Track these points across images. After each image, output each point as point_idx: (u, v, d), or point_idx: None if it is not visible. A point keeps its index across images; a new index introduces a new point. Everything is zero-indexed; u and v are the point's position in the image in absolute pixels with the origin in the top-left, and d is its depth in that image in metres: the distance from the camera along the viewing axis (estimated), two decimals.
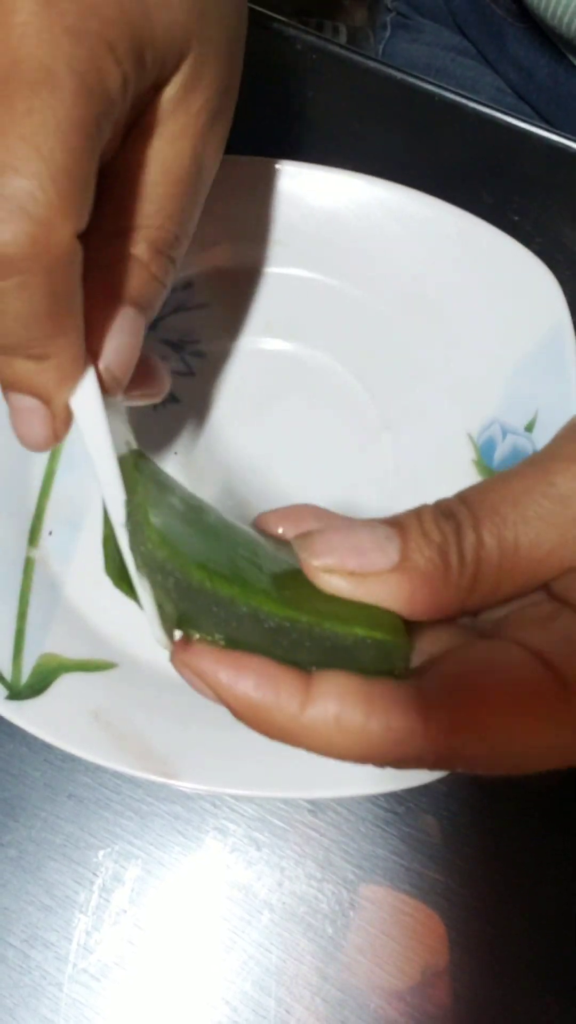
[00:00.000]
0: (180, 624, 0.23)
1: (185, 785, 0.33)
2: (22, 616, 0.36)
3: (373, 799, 0.36)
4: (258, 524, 0.25)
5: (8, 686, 0.34)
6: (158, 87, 0.28)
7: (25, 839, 0.36)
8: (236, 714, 0.22)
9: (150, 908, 0.35)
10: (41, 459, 0.39)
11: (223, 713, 0.35)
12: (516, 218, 0.41)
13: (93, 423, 0.27)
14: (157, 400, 0.32)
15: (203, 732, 0.34)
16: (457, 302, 0.39)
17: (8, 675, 0.35)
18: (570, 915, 0.35)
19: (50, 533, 0.38)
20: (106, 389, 0.27)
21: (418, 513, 0.23)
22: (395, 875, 0.36)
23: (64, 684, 0.35)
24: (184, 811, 0.36)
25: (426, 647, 0.24)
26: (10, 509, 0.38)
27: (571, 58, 0.56)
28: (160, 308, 0.30)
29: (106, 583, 0.37)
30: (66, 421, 0.27)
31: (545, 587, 0.24)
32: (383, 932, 0.35)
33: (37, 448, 0.28)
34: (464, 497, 0.23)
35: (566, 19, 0.50)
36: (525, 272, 0.38)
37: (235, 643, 0.22)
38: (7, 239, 0.23)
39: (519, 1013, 0.35)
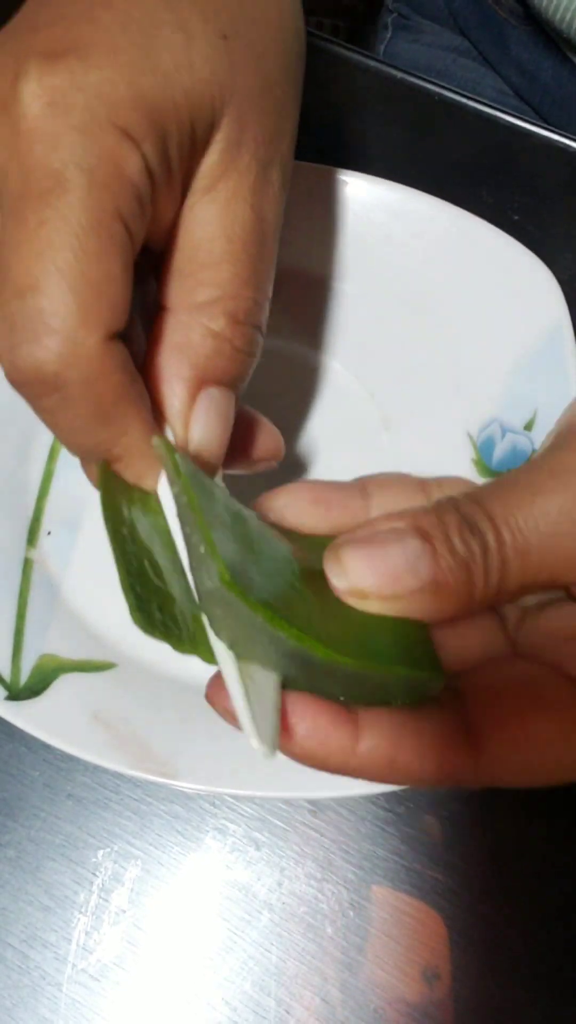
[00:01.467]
0: (232, 649, 0.22)
1: (184, 785, 0.33)
2: (21, 616, 0.36)
3: (373, 799, 0.36)
4: (256, 508, 0.26)
5: (7, 687, 0.34)
6: (197, 151, 0.26)
7: (24, 839, 0.36)
8: (294, 758, 0.22)
9: (149, 908, 0.35)
10: (39, 460, 0.39)
11: None
12: (516, 217, 0.41)
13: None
14: (273, 465, 0.32)
15: (203, 732, 0.34)
16: (457, 301, 0.39)
17: (7, 676, 0.35)
18: (571, 915, 0.35)
19: (48, 533, 0.38)
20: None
21: (441, 520, 0.22)
22: (395, 875, 0.35)
23: (63, 684, 0.35)
24: (184, 811, 0.36)
25: (454, 643, 0.25)
26: (8, 509, 0.38)
27: (575, 60, 0.56)
28: (249, 378, 0.29)
29: (105, 583, 0.37)
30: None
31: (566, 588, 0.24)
32: (383, 932, 0.35)
33: None
34: (487, 509, 0.23)
35: (575, 23, 0.50)
36: (525, 271, 0.38)
37: (281, 675, 0.22)
38: (35, 361, 0.23)
39: (519, 1013, 0.34)
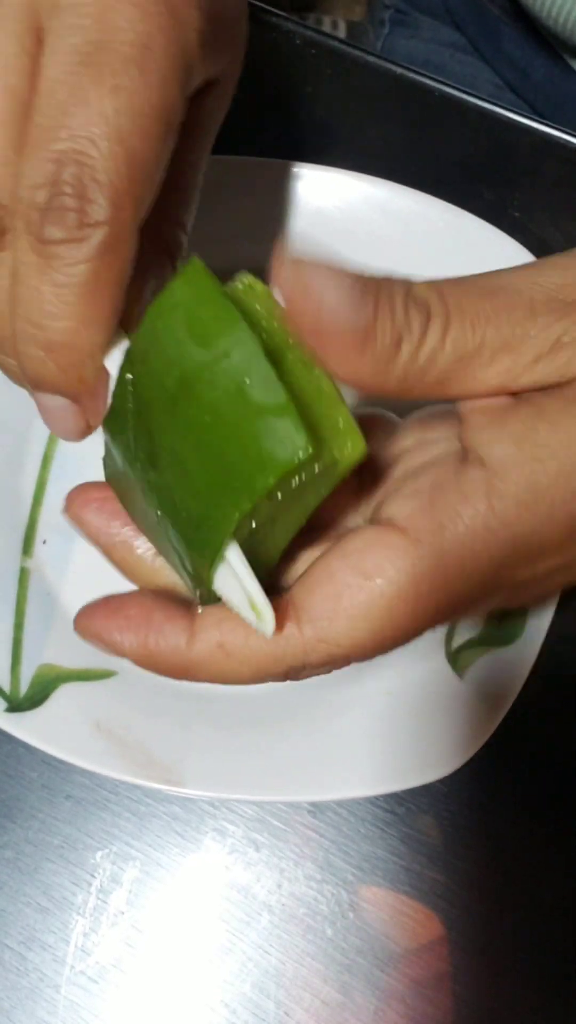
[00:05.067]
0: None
1: (189, 792, 0.33)
2: (19, 626, 0.36)
3: (373, 800, 0.36)
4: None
5: (7, 698, 0.34)
6: (214, 78, 0.26)
7: (22, 840, 0.36)
8: (136, 663, 0.24)
9: (148, 910, 0.35)
10: (33, 468, 0.38)
11: (224, 718, 0.35)
12: (517, 214, 0.41)
13: None
14: None
15: (205, 737, 0.34)
16: None
17: (7, 687, 0.34)
18: (570, 915, 0.35)
19: (44, 542, 0.37)
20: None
21: (391, 291, 0.22)
22: (395, 876, 0.35)
23: (64, 694, 0.35)
24: (182, 812, 0.36)
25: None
26: (3, 519, 0.37)
27: (567, 58, 0.56)
28: None
29: (102, 590, 0.37)
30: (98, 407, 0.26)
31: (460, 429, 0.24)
32: (382, 933, 0.35)
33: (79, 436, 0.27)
34: (443, 292, 0.22)
35: (561, 18, 0.50)
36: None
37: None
38: (93, 206, 0.22)
39: (519, 1013, 0.34)
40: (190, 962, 0.35)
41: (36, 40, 0.23)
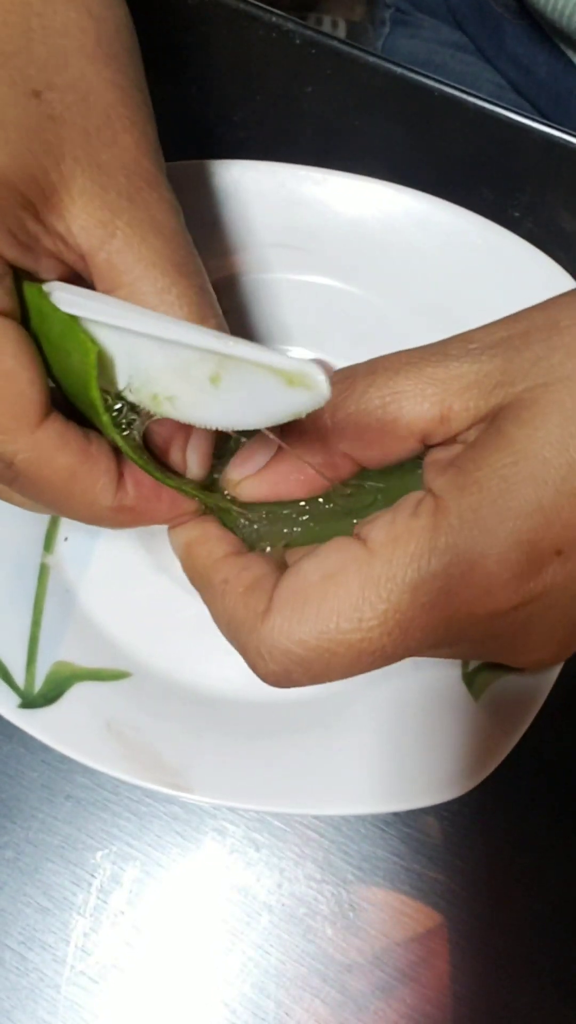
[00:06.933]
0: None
1: (196, 799, 0.33)
2: (36, 623, 0.35)
3: None
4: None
5: (21, 694, 0.34)
6: (53, 208, 0.26)
7: (22, 840, 0.36)
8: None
9: (148, 910, 0.35)
10: None
11: (234, 725, 0.35)
12: (516, 214, 0.41)
13: None
14: None
15: (216, 744, 0.34)
16: (481, 314, 0.38)
17: (21, 683, 0.34)
18: (570, 915, 0.35)
19: (65, 539, 0.37)
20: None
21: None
22: (395, 876, 0.35)
23: (77, 693, 0.35)
24: (183, 812, 0.36)
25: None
26: (25, 515, 0.37)
27: (570, 55, 0.56)
28: None
29: (121, 590, 0.37)
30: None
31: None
32: (383, 933, 0.35)
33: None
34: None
35: (565, 14, 0.50)
36: (549, 282, 0.37)
37: None
38: None
39: (519, 1014, 0.34)
40: (190, 962, 0.35)
41: None
